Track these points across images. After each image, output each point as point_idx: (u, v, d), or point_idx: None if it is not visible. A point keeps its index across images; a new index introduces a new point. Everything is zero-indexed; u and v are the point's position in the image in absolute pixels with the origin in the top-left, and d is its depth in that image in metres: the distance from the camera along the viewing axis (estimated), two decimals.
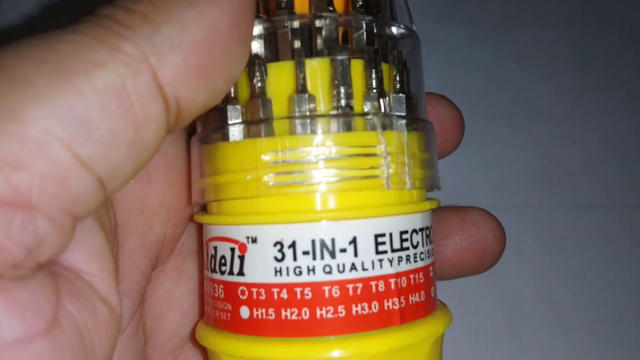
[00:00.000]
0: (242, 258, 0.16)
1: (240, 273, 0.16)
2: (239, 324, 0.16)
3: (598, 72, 0.33)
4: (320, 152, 0.15)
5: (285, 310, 0.15)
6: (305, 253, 0.15)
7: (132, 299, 0.17)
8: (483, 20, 0.33)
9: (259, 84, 0.16)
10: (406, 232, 0.16)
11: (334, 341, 0.15)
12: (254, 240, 0.16)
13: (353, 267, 0.15)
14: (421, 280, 0.16)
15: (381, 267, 0.15)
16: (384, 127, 0.16)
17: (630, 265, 0.32)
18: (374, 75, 0.16)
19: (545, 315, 0.31)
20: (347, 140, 0.15)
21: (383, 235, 0.16)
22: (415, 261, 0.16)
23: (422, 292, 0.16)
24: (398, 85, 0.17)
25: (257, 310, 0.15)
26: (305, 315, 0.15)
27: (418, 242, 0.16)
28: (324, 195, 0.15)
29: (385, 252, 0.16)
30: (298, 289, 0.15)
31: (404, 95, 0.16)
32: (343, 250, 0.15)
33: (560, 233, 0.31)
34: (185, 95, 0.13)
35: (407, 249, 0.16)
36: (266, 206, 0.16)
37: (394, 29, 0.17)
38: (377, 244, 0.15)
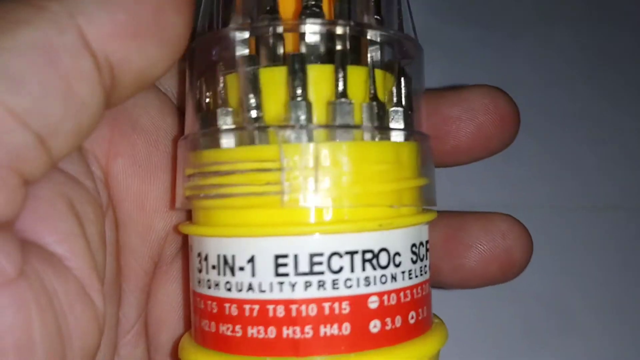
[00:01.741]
0: None
1: None
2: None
3: (611, 71, 0.32)
4: (222, 166, 0.15)
5: (201, 322, 0.16)
6: (213, 267, 0.15)
7: (136, 297, 0.17)
8: (492, 21, 0.32)
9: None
10: (320, 254, 0.14)
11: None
12: (191, 250, 0.16)
13: (250, 287, 0.15)
14: (344, 311, 0.14)
15: (281, 290, 0.14)
16: (299, 140, 0.14)
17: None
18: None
19: (558, 316, 0.30)
20: (245, 155, 0.15)
21: (285, 256, 0.14)
22: (336, 288, 0.14)
23: (345, 324, 0.14)
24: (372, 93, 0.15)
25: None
26: (212, 328, 0.15)
27: (342, 267, 0.14)
28: (225, 211, 0.15)
29: (287, 274, 0.14)
30: (208, 302, 0.15)
31: (347, 101, 0.15)
32: (241, 269, 0.15)
33: (575, 234, 0.31)
34: (116, 56, 0.13)
35: (321, 273, 0.14)
36: (193, 217, 0.16)
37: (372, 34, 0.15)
38: (277, 265, 0.14)
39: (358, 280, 0.14)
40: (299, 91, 0.14)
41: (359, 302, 0.14)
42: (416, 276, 0.15)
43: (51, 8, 0.12)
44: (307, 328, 0.14)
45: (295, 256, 0.14)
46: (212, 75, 0.16)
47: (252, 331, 0.14)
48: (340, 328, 0.14)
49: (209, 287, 0.15)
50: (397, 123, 0.16)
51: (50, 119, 0.12)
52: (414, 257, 0.15)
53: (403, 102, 0.16)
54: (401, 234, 0.15)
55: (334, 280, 0.14)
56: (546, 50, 0.32)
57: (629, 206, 0.32)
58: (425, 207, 0.16)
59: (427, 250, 0.16)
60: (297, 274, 0.14)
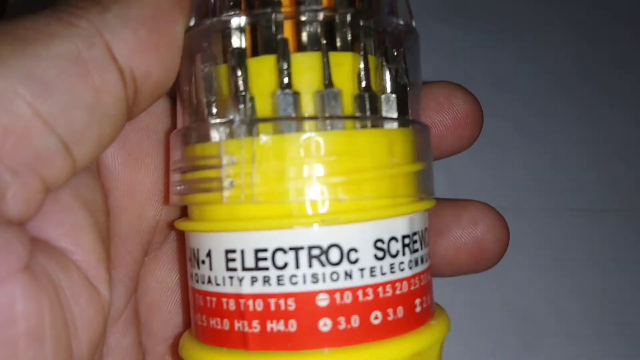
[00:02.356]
0: None
1: None
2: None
3: (607, 74, 0.32)
4: (185, 163, 0.15)
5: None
6: (189, 260, 0.16)
7: (125, 285, 0.17)
8: (490, 22, 0.32)
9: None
10: (264, 250, 0.14)
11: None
12: None
13: (209, 280, 0.15)
14: (290, 307, 0.14)
15: (231, 284, 0.15)
16: (238, 135, 0.14)
17: (637, 269, 0.31)
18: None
19: (552, 318, 0.30)
20: (193, 152, 0.15)
21: (233, 251, 0.15)
22: (281, 284, 0.14)
23: (291, 321, 0.14)
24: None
25: None
26: (199, 320, 0.16)
27: (287, 263, 0.14)
28: (192, 206, 0.16)
29: (235, 269, 0.14)
30: (195, 295, 0.16)
31: (290, 92, 0.14)
32: (203, 262, 0.15)
33: (568, 236, 0.31)
34: (139, 69, 0.14)
35: (266, 269, 0.14)
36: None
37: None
38: (227, 260, 0.15)
39: (304, 276, 0.14)
40: (240, 85, 0.14)
41: (305, 299, 0.14)
42: (382, 274, 0.14)
43: (80, 24, 0.13)
44: (255, 323, 0.14)
45: (242, 251, 0.14)
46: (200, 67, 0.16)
47: (212, 322, 0.15)
48: (286, 325, 0.14)
49: (191, 280, 0.16)
50: (388, 111, 0.15)
51: (76, 126, 0.13)
52: (380, 254, 0.14)
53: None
54: (357, 229, 0.14)
55: (278, 277, 0.14)
56: (542, 52, 0.32)
57: (623, 208, 0.32)
58: (421, 197, 0.15)
59: (405, 245, 0.15)
60: (244, 269, 0.14)
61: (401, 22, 0.16)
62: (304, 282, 0.14)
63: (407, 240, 0.15)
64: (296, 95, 0.14)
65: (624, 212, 0.32)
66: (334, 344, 0.14)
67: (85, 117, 0.13)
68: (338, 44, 0.15)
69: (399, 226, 0.15)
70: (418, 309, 0.15)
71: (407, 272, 0.15)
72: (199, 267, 0.15)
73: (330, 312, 0.14)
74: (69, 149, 0.13)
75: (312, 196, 0.14)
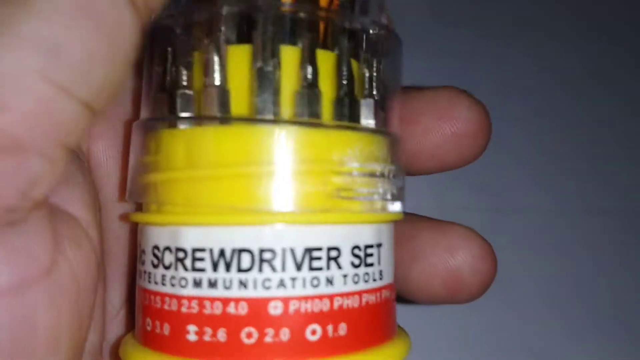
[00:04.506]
0: None
1: None
2: None
3: (610, 75, 0.32)
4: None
5: None
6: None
7: (120, 282, 0.17)
8: (492, 23, 0.32)
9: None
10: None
11: None
12: None
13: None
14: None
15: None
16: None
17: (637, 271, 0.31)
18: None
19: (553, 319, 0.30)
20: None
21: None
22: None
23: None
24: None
25: None
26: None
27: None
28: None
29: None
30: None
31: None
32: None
33: (569, 237, 0.31)
34: None
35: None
36: None
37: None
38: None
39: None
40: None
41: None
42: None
43: None
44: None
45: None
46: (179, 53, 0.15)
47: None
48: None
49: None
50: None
51: (95, 82, 0.12)
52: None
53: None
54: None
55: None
56: (543, 53, 0.32)
57: (623, 210, 0.32)
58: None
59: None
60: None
61: (380, 24, 0.15)
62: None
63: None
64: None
65: (626, 213, 0.31)
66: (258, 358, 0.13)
67: (105, 70, 0.12)
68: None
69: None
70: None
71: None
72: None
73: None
74: (89, 106, 0.12)
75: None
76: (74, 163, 0.14)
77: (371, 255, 0.14)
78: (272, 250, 0.13)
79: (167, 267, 0.14)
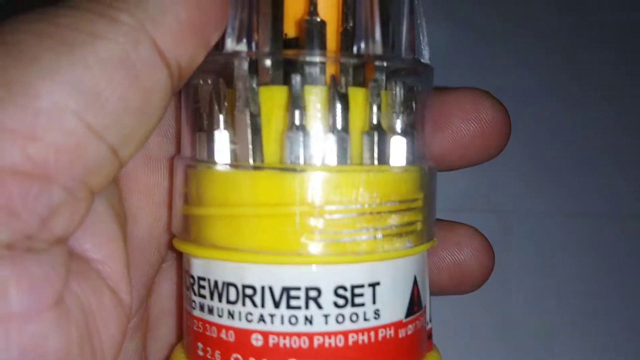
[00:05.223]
0: None
1: None
2: None
3: (599, 78, 0.33)
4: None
5: None
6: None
7: (138, 290, 0.17)
8: (481, 26, 0.32)
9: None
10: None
11: None
12: None
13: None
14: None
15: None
16: None
17: (625, 273, 0.32)
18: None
19: (538, 321, 0.31)
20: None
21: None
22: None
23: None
24: None
25: None
26: None
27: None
28: None
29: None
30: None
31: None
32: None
33: (556, 239, 0.32)
34: (185, 57, 0.13)
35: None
36: None
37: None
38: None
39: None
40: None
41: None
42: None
43: (123, 19, 0.12)
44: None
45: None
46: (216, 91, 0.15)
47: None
48: None
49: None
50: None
51: (125, 131, 0.13)
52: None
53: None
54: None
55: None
56: (534, 57, 0.32)
57: (610, 213, 0.32)
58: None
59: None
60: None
61: (414, 59, 0.16)
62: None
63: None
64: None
65: (612, 217, 0.32)
66: None
67: (135, 121, 0.13)
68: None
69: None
70: None
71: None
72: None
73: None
74: (117, 153, 0.13)
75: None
76: (102, 211, 0.14)
77: (361, 295, 0.14)
78: (252, 287, 0.14)
79: (187, 289, 0.16)
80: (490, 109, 0.18)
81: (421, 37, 0.16)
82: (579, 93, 0.33)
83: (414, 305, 0.15)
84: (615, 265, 0.33)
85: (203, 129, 0.15)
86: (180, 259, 0.17)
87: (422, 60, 0.16)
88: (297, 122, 0.14)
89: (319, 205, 0.14)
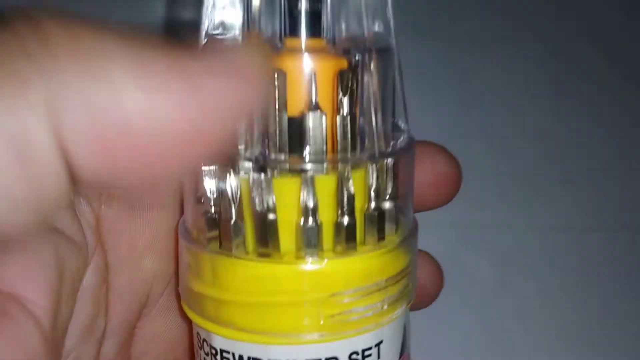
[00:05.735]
0: None
1: None
2: None
3: (578, 91, 0.32)
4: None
5: None
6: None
7: (119, 336, 0.17)
8: (457, 39, 0.31)
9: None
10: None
11: None
12: None
13: None
14: None
15: None
16: None
17: (606, 288, 0.33)
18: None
19: (522, 334, 0.32)
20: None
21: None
22: None
23: None
24: None
25: None
26: None
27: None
28: None
29: None
30: None
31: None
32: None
33: (537, 254, 0.33)
34: (88, 170, 0.11)
35: None
36: None
37: None
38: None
39: None
40: None
41: None
42: None
43: (32, 98, 0.10)
44: None
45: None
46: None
47: None
48: None
49: None
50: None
51: (5, 218, 0.11)
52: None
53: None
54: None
55: None
56: (513, 68, 0.32)
57: (592, 227, 0.33)
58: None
59: None
60: None
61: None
62: None
63: None
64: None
65: (594, 231, 0.33)
66: None
67: (24, 212, 0.11)
68: None
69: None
70: None
71: None
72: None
73: None
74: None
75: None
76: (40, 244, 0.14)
77: (369, 355, 0.17)
78: None
79: (207, 354, 0.18)
80: (445, 164, 0.20)
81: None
82: (561, 105, 0.33)
83: (405, 348, 0.18)
84: (596, 280, 0.33)
85: (212, 215, 0.17)
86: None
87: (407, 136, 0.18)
88: (310, 213, 0.16)
89: (336, 293, 0.16)
